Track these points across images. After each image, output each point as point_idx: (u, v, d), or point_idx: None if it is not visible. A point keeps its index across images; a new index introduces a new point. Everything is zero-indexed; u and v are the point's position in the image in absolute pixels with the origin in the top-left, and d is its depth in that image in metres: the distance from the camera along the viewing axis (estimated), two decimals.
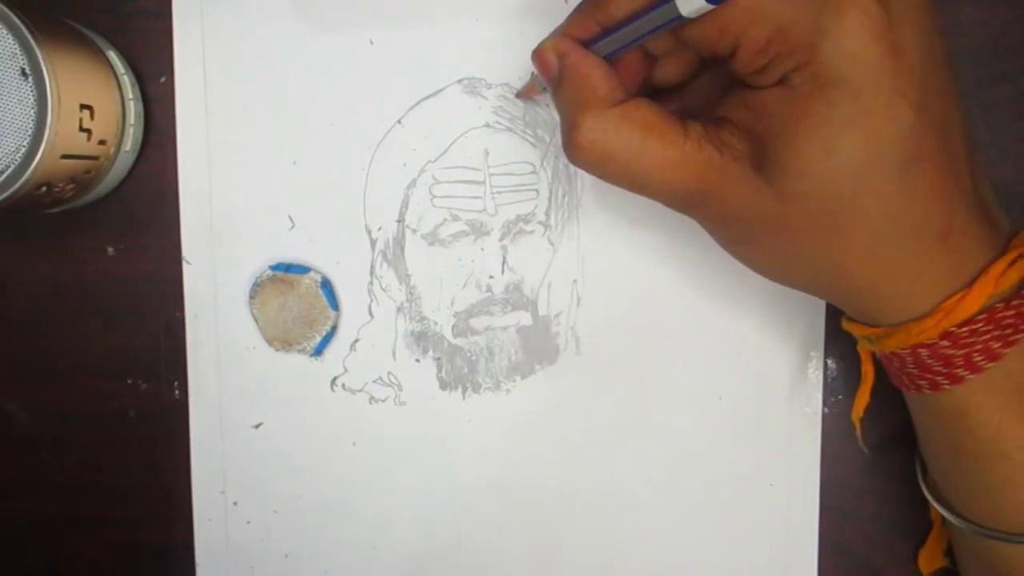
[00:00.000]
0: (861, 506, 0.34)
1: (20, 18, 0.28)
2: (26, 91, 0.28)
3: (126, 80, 0.33)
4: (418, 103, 0.34)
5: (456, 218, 0.34)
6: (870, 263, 0.24)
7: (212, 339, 0.35)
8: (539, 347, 0.35)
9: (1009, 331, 0.24)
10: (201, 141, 0.35)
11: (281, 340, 0.35)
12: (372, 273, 0.35)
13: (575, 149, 0.25)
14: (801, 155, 0.23)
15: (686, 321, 0.34)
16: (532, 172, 0.34)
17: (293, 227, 0.35)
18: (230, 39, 0.34)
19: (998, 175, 0.33)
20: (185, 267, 0.35)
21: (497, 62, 0.34)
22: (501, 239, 0.34)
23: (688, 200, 0.25)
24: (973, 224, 0.24)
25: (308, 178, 0.35)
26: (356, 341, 0.35)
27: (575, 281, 0.34)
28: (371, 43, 0.34)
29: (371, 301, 0.35)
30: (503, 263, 0.34)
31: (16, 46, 0.28)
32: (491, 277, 0.34)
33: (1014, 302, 0.24)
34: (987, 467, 0.25)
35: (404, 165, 0.34)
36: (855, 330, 0.27)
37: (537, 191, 0.34)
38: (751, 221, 0.25)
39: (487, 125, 0.34)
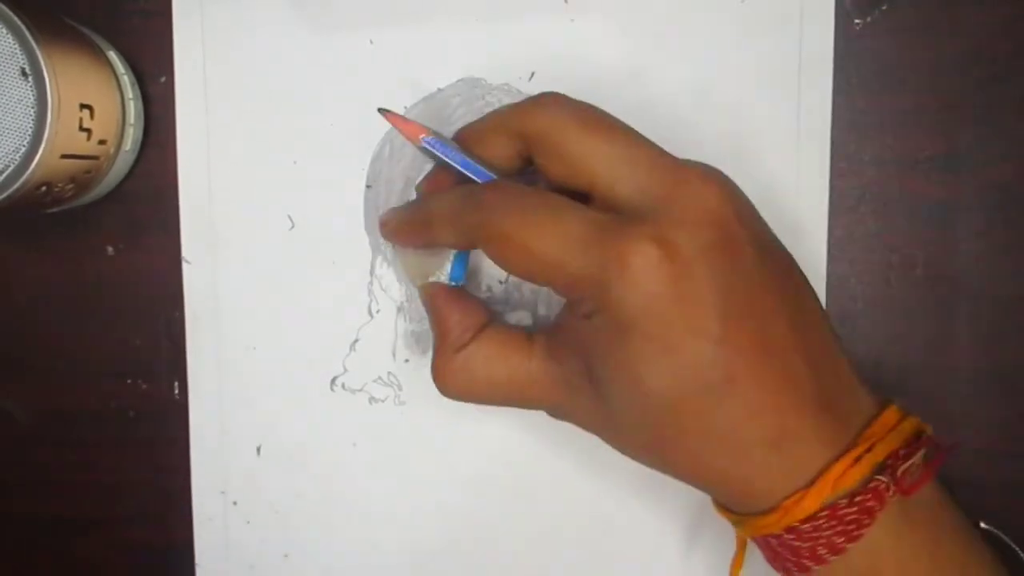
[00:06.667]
0: None
1: (20, 18, 0.28)
2: (26, 91, 0.28)
3: (126, 80, 0.33)
4: (418, 103, 0.34)
5: None
6: (702, 471, 0.25)
7: (212, 339, 0.35)
8: None
9: (852, 527, 0.24)
10: (201, 141, 0.35)
11: (421, 275, 0.32)
12: (372, 273, 0.35)
13: (439, 387, 0.29)
14: (614, 383, 0.25)
15: None
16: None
17: (293, 227, 0.35)
18: (230, 39, 0.34)
19: (998, 176, 0.33)
20: (185, 267, 0.35)
21: (497, 62, 0.34)
22: None
23: (552, 412, 0.28)
24: (809, 425, 0.24)
25: (308, 178, 0.35)
26: (356, 341, 0.35)
27: None
28: (371, 43, 0.34)
29: (371, 301, 0.35)
30: None
31: (16, 46, 0.28)
32: (491, 277, 0.34)
33: (857, 498, 0.24)
34: None
35: (404, 165, 0.34)
36: (718, 510, 0.28)
37: None
38: (598, 428, 0.27)
39: None
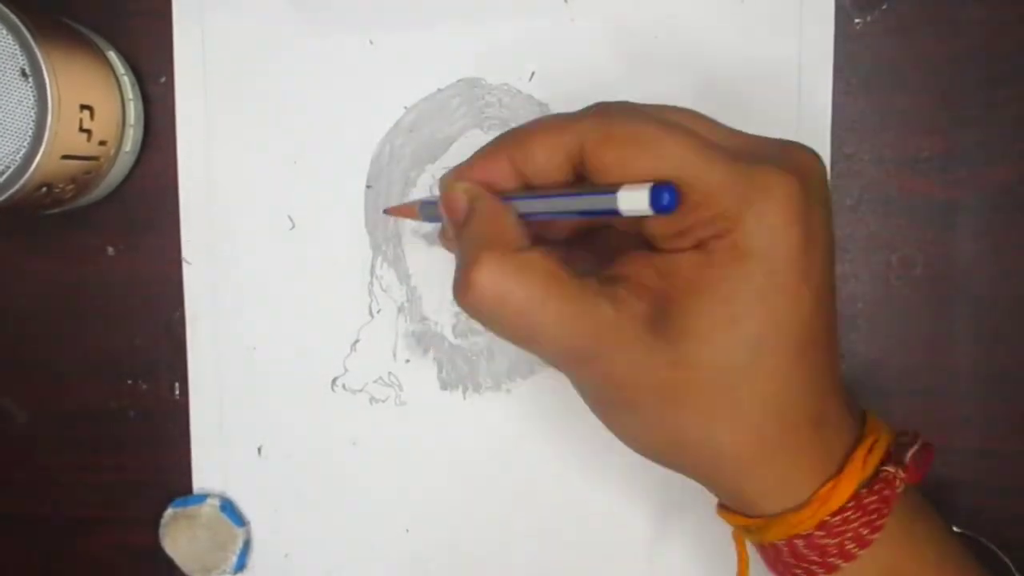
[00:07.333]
0: None
1: (20, 18, 0.28)
2: (26, 91, 0.28)
3: (126, 80, 0.33)
4: (418, 103, 0.34)
5: None
6: (751, 443, 0.24)
7: (212, 339, 0.35)
8: None
9: (874, 516, 0.24)
10: (201, 141, 0.35)
11: (201, 570, 0.36)
12: (372, 273, 0.35)
13: (469, 288, 0.23)
14: (707, 320, 0.22)
15: None
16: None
17: (293, 227, 0.35)
18: (230, 39, 0.34)
19: (998, 176, 0.33)
20: (185, 267, 0.35)
21: (497, 62, 0.34)
22: None
23: (576, 358, 0.24)
24: (839, 411, 0.24)
25: (308, 178, 0.35)
26: (356, 341, 0.35)
27: None
28: (371, 43, 0.34)
29: (371, 301, 0.35)
30: None
31: (16, 46, 0.28)
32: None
33: (875, 487, 0.24)
34: None
35: (404, 165, 0.34)
36: (730, 519, 0.26)
37: None
38: (637, 387, 0.24)
39: (487, 125, 0.34)
